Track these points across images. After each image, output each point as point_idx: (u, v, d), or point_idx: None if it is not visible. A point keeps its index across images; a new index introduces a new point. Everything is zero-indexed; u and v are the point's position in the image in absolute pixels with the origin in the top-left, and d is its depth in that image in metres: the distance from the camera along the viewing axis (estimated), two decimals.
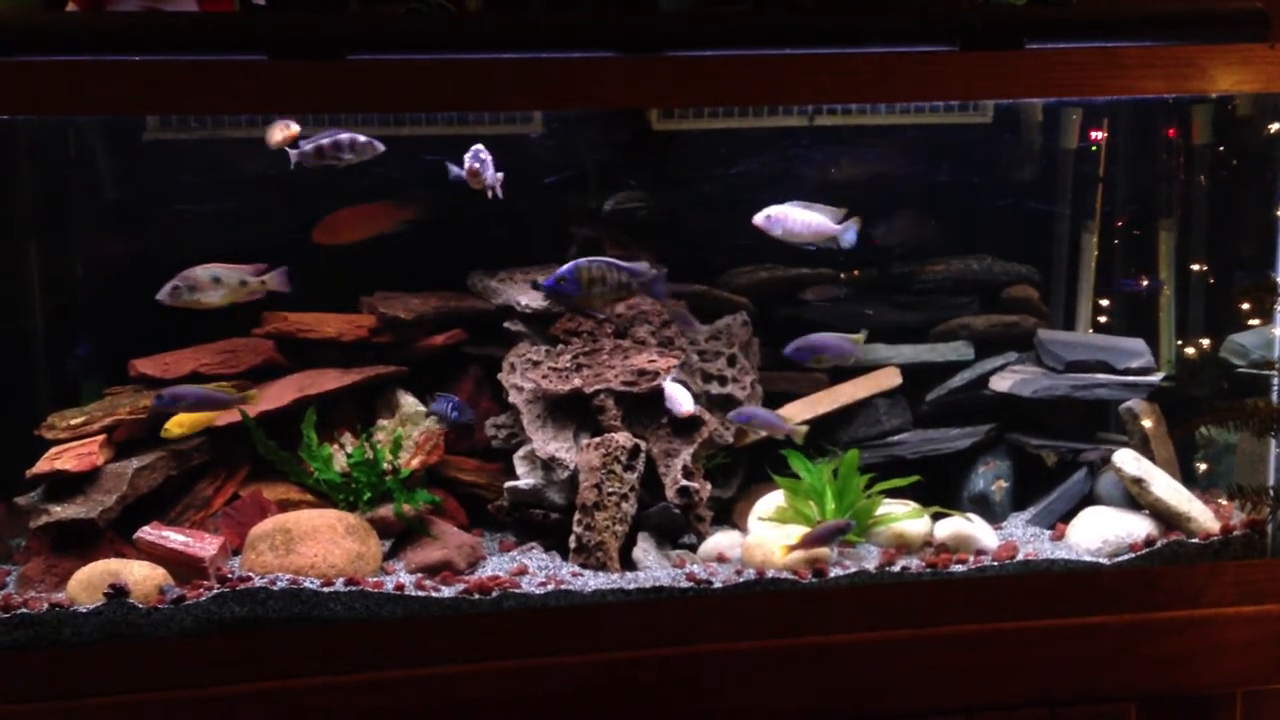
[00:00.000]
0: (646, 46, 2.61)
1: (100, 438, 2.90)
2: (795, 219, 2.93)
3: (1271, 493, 2.78)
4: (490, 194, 2.75)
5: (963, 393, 3.27)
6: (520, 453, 3.11)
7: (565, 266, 2.77)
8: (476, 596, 2.63)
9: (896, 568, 2.77)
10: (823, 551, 2.79)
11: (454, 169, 2.74)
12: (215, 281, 2.78)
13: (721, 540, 2.96)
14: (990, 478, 3.17)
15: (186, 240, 3.22)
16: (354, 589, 2.61)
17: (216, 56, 2.50)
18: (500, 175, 2.75)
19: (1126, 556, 2.82)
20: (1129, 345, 3.27)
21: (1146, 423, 3.10)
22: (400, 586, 2.65)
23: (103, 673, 2.46)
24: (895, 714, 2.68)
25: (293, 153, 2.73)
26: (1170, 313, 3.40)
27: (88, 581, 2.61)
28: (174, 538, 2.74)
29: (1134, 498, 2.95)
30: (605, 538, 2.84)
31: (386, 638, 2.56)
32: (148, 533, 2.75)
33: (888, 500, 2.98)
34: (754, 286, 3.33)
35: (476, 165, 2.73)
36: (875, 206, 3.36)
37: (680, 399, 2.97)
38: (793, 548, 2.75)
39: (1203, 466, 3.25)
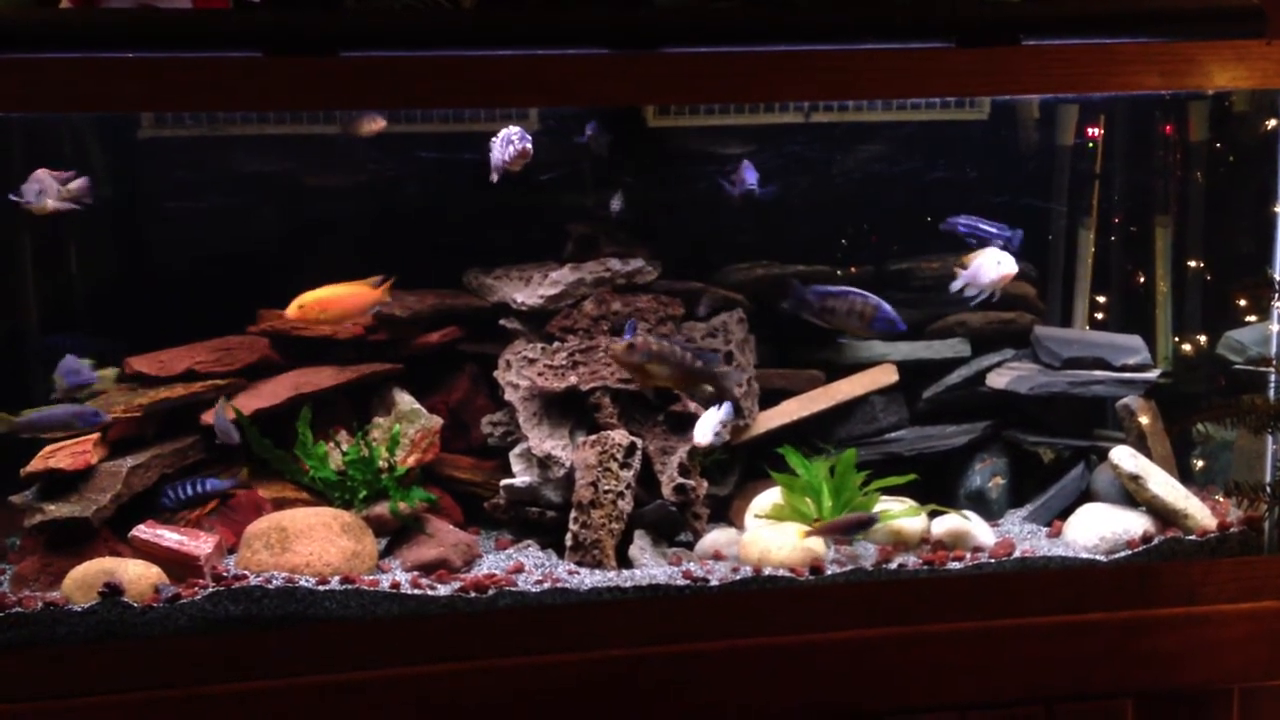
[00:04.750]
0: (641, 43, 2.60)
1: (94, 436, 2.89)
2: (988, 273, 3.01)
3: (1268, 490, 2.78)
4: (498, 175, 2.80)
5: (959, 390, 3.27)
6: (516, 450, 3.11)
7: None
8: (472, 594, 2.63)
9: (893, 565, 2.76)
10: (818, 549, 2.79)
11: (496, 156, 2.79)
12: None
13: (718, 538, 2.95)
14: (987, 475, 3.17)
15: (181, 237, 3.23)
16: (349, 587, 2.60)
17: (211, 54, 2.50)
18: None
19: (1123, 553, 2.82)
20: (1126, 342, 3.27)
21: (1143, 419, 3.10)
22: (396, 585, 2.65)
23: (97, 672, 2.45)
24: (892, 711, 2.68)
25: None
26: (1167, 309, 3.40)
27: (82, 580, 2.61)
28: (169, 536, 2.74)
29: (1131, 495, 2.95)
30: (601, 535, 2.84)
31: (382, 636, 2.55)
32: (143, 531, 2.75)
33: (884, 498, 2.97)
34: (750, 283, 3.32)
35: (527, 145, 2.75)
36: (871, 204, 3.37)
37: (700, 429, 2.95)
38: (812, 531, 2.76)
39: (1200, 463, 3.25)
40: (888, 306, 2.91)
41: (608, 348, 2.73)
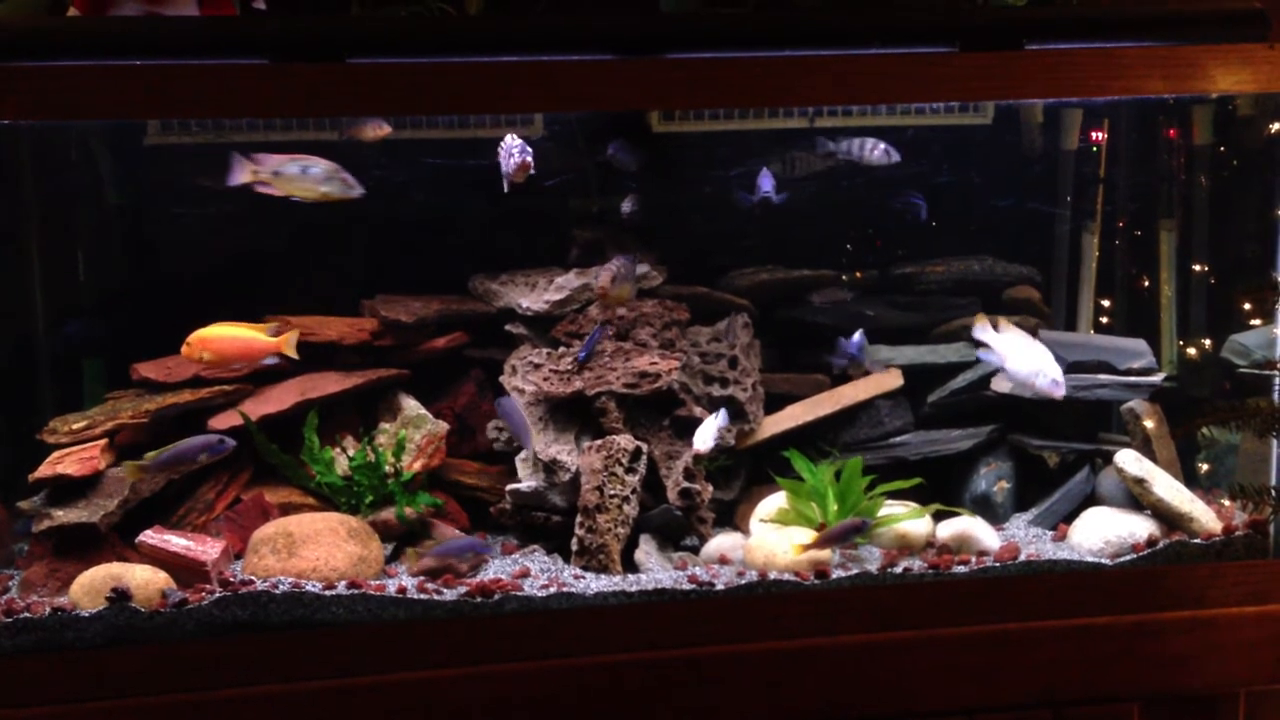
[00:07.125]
0: (647, 48, 2.61)
1: (102, 442, 2.91)
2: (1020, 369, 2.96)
3: (1273, 493, 2.78)
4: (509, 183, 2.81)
5: (964, 394, 3.27)
6: (522, 455, 3.11)
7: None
8: (478, 599, 2.63)
9: (899, 569, 2.77)
10: (825, 553, 2.79)
11: (504, 164, 2.81)
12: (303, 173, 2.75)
13: (723, 542, 2.96)
14: (992, 479, 3.17)
15: (187, 243, 3.24)
16: (356, 592, 2.61)
17: (218, 61, 2.51)
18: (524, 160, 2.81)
19: (1129, 557, 2.82)
20: (1131, 345, 3.27)
21: (1148, 423, 3.10)
22: (402, 589, 2.66)
23: (105, 677, 2.46)
24: (898, 715, 2.68)
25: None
26: (1171, 313, 3.40)
27: (90, 586, 2.62)
28: (176, 541, 2.74)
29: (1136, 498, 2.95)
30: (607, 540, 2.84)
31: (389, 641, 2.56)
32: (150, 536, 2.75)
33: (890, 501, 2.98)
34: (755, 288, 3.33)
35: (527, 158, 2.77)
36: (876, 207, 3.37)
37: (700, 436, 2.95)
38: (808, 546, 2.75)
39: (1205, 467, 3.25)
40: (844, 340, 3.10)
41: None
